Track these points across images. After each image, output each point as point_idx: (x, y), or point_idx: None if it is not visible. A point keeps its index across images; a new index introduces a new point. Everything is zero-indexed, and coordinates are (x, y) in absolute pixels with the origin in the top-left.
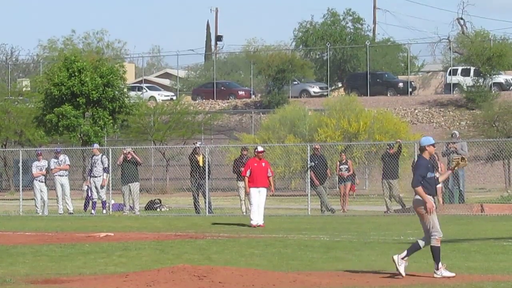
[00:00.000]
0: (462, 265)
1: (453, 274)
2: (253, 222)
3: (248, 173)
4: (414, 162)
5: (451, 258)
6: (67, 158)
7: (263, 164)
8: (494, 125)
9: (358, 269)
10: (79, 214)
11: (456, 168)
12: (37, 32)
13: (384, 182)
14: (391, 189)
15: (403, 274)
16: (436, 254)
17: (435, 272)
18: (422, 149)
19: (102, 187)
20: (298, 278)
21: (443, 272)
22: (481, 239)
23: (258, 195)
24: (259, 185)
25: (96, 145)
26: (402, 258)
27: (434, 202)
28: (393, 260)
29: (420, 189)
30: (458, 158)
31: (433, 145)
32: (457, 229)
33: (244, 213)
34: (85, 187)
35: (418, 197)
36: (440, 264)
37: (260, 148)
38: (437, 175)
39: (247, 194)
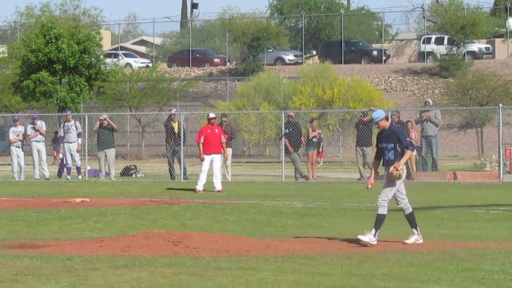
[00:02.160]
0: (434, 232)
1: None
2: (198, 187)
3: (202, 140)
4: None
5: (424, 225)
6: (43, 124)
7: (216, 130)
8: (467, 94)
9: (331, 236)
10: (55, 179)
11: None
12: None
13: (358, 150)
14: (364, 156)
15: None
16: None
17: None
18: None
19: (78, 151)
20: (272, 244)
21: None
22: (453, 207)
23: (210, 162)
24: (212, 151)
25: (68, 111)
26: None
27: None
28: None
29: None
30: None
31: (385, 118)
32: (430, 196)
33: (227, 180)
34: (61, 155)
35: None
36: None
37: (212, 115)
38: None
39: (202, 160)
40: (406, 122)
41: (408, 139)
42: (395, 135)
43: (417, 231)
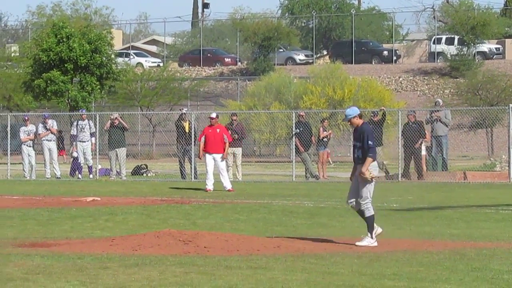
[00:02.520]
0: (445, 232)
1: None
2: (208, 187)
3: (202, 140)
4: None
5: (434, 225)
6: (55, 123)
7: (218, 130)
8: (477, 94)
9: (341, 235)
10: (66, 178)
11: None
12: None
13: None
14: None
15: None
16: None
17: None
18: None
19: (92, 151)
20: (282, 243)
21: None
22: (463, 207)
23: (213, 162)
24: (213, 151)
25: (83, 110)
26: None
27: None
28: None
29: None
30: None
31: (359, 115)
32: (440, 196)
33: (238, 179)
34: (75, 154)
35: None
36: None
37: (213, 115)
38: (424, 145)
39: (199, 159)
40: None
41: (370, 142)
42: (363, 135)
43: (372, 234)
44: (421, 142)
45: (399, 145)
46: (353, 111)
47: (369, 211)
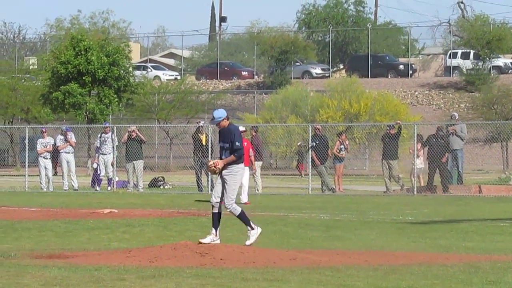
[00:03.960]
0: (459, 245)
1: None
2: (244, 200)
3: None
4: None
5: (449, 238)
6: (73, 135)
7: (245, 143)
8: (492, 108)
9: (357, 248)
10: (84, 190)
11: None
12: (45, 11)
13: (384, 163)
14: (390, 169)
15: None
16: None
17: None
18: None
19: (112, 164)
20: (298, 256)
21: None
22: (478, 220)
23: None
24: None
25: (107, 123)
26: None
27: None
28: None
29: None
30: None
31: (226, 118)
32: (455, 209)
33: (258, 192)
34: (95, 165)
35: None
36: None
37: (241, 128)
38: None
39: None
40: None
41: (238, 143)
42: (231, 136)
43: (216, 232)
44: (448, 156)
45: (414, 158)
46: (221, 113)
47: (237, 211)
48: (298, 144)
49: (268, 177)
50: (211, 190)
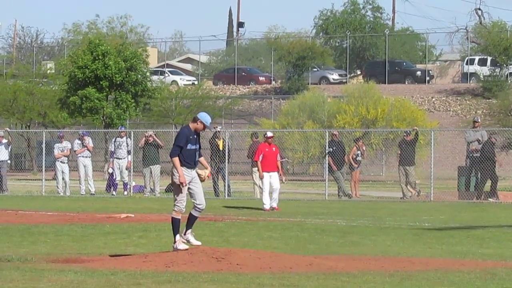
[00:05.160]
0: (476, 251)
1: (187, 247)
2: (266, 206)
3: (260, 158)
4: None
5: (465, 244)
6: (90, 140)
7: (273, 149)
8: (509, 114)
9: (373, 254)
10: (100, 195)
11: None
12: (62, 16)
13: (401, 169)
14: (407, 175)
15: (197, 243)
16: (173, 226)
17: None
18: (195, 119)
19: (127, 169)
20: (314, 261)
21: (178, 245)
22: (495, 226)
23: (270, 180)
24: (270, 169)
25: (123, 128)
26: (185, 234)
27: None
28: (185, 242)
29: (175, 159)
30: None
31: (205, 125)
32: (472, 216)
33: (259, 197)
34: (111, 170)
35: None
36: (177, 237)
37: (269, 134)
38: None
39: (261, 178)
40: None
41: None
42: (199, 137)
43: (183, 236)
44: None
45: (431, 164)
46: (205, 118)
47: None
48: (281, 160)
49: (285, 182)
50: (228, 196)
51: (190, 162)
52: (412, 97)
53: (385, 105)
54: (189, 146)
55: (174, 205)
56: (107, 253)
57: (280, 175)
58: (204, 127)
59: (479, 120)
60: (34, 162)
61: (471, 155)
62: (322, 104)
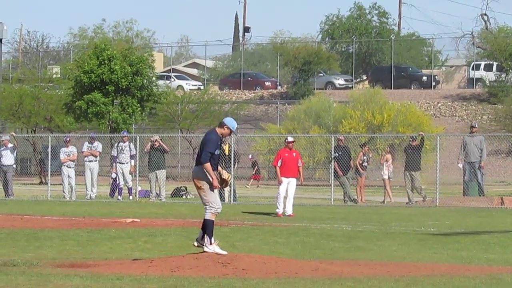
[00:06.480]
0: (481, 257)
1: (225, 252)
2: (279, 211)
3: (279, 163)
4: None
5: (471, 249)
6: (100, 145)
7: (294, 154)
8: None
9: (379, 259)
10: (106, 199)
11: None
12: (68, 20)
13: (406, 174)
14: (413, 181)
15: (223, 252)
16: (209, 228)
17: (206, 246)
18: (221, 124)
19: (130, 173)
20: (320, 266)
21: (215, 248)
22: (500, 232)
23: (287, 185)
24: (289, 175)
25: (125, 132)
26: (202, 239)
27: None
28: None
29: (208, 165)
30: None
31: (231, 130)
32: (477, 221)
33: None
34: (114, 175)
35: (197, 169)
36: (213, 240)
37: (290, 139)
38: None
39: (279, 183)
40: None
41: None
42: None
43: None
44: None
45: (437, 170)
46: (232, 123)
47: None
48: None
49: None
50: (234, 201)
51: (214, 165)
52: (418, 102)
53: (391, 110)
54: (216, 152)
55: (209, 207)
56: (113, 257)
57: (301, 181)
58: (230, 132)
59: (476, 126)
60: (40, 166)
61: (468, 160)
62: (328, 109)
